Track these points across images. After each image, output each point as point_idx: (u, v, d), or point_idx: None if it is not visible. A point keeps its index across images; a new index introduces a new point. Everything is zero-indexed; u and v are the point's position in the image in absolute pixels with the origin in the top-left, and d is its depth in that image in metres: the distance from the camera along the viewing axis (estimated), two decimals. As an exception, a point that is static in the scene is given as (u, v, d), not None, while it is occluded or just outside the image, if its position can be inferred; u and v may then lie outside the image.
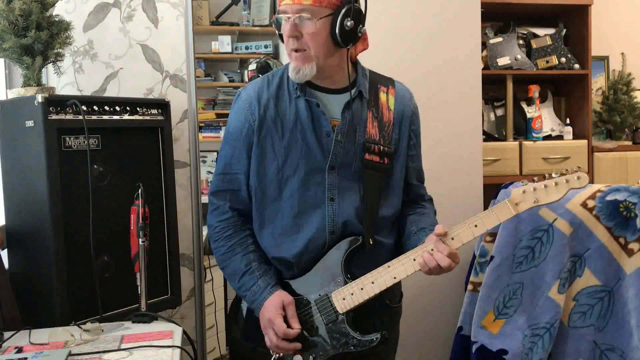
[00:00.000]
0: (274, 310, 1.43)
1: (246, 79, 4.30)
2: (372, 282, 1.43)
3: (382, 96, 1.54)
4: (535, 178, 1.38)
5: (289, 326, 1.43)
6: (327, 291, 1.46)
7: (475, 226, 1.39)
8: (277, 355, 1.47)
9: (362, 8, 1.44)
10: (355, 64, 1.55)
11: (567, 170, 1.37)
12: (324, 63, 1.44)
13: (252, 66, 2.28)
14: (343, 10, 1.39)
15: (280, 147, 1.48)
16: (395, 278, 1.42)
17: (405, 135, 1.55)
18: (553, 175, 1.37)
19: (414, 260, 1.41)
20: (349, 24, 1.39)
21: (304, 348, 1.45)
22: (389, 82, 1.58)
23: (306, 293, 1.48)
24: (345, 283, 1.45)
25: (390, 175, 1.52)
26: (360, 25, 1.43)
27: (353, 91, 1.49)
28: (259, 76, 2.20)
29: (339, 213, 1.47)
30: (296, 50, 1.42)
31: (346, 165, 1.48)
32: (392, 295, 1.57)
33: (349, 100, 1.49)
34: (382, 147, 1.50)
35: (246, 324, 1.58)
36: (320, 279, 1.47)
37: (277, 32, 1.49)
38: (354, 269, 1.47)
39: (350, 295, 1.44)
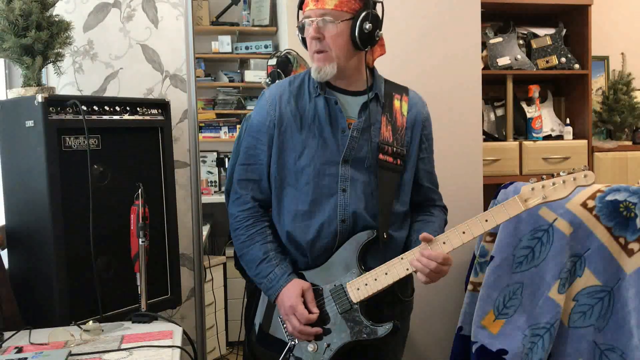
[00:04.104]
0: (294, 298, 1.49)
1: (246, 78, 4.31)
2: (386, 273, 1.49)
3: (396, 103, 1.62)
4: (544, 176, 1.44)
5: (309, 311, 1.49)
6: (342, 282, 1.52)
7: (486, 221, 1.47)
8: (294, 342, 1.52)
9: (380, 14, 1.53)
10: (373, 70, 1.63)
11: (574, 169, 1.43)
12: (344, 64, 1.53)
13: (272, 61, 2.26)
14: (362, 15, 1.49)
15: (298, 140, 1.56)
16: (407, 270, 1.48)
17: (416, 138, 1.63)
18: (561, 173, 1.43)
19: None
20: (367, 27, 1.49)
21: (318, 336, 1.51)
22: (402, 90, 1.66)
23: (320, 283, 1.54)
24: (360, 274, 1.51)
25: (402, 175, 1.60)
26: (378, 30, 1.52)
27: (370, 93, 1.57)
28: (278, 71, 2.20)
29: (350, 203, 1.53)
30: (319, 52, 1.51)
31: (359, 160, 1.55)
32: (403, 289, 1.63)
33: (367, 101, 1.57)
34: (395, 149, 1.58)
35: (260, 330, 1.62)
36: (334, 270, 1.53)
37: (299, 36, 1.57)
38: (367, 261, 1.54)
39: (364, 286, 1.49)
